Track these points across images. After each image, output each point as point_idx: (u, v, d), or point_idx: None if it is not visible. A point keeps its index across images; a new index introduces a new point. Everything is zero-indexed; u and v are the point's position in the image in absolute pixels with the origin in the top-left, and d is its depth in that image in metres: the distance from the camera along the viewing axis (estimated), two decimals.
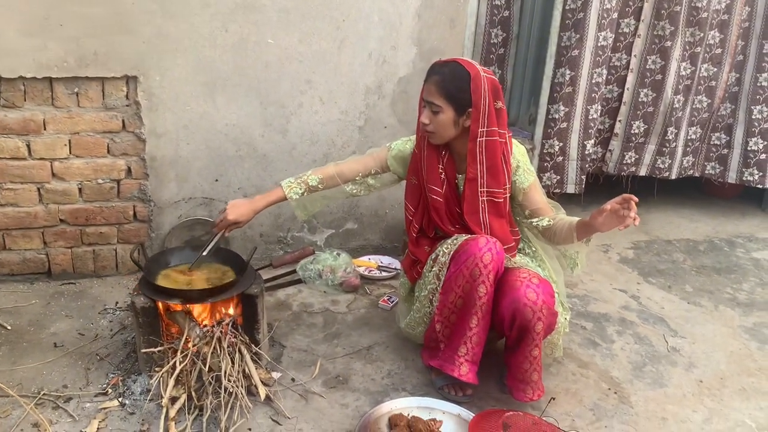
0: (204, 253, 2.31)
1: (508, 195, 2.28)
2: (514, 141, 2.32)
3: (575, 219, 2.19)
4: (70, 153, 2.71)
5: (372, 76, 2.97)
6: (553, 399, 2.26)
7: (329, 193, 2.42)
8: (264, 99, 2.87)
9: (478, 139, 2.17)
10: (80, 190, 2.78)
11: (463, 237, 2.20)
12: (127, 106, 2.71)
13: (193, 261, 2.36)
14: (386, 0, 2.86)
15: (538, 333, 2.09)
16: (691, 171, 4.11)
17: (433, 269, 2.24)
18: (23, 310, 2.67)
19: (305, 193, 2.36)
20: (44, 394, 2.16)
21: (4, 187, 2.68)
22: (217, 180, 2.94)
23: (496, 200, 2.26)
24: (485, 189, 2.24)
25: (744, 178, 4.04)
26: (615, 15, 3.49)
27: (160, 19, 2.61)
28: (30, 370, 2.29)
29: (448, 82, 2.12)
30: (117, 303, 2.74)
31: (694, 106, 3.91)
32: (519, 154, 2.31)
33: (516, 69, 3.53)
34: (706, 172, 4.14)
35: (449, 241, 2.24)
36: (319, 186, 2.37)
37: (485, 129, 2.16)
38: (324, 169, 2.39)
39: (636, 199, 1.99)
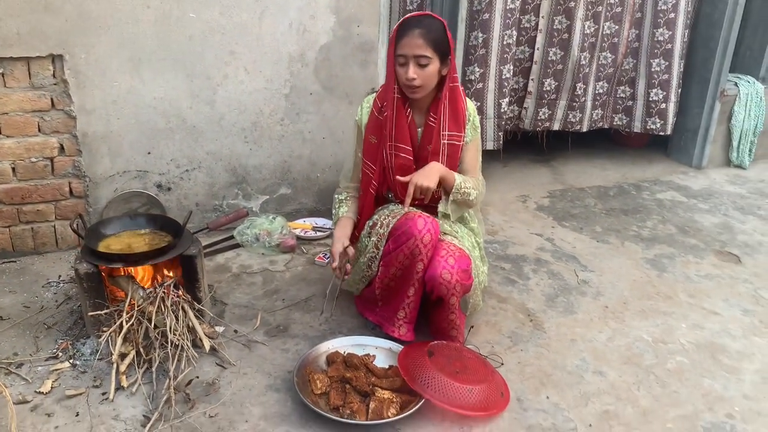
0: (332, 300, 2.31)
1: (463, 142, 2.41)
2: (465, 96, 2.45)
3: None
4: (1, 133, 2.76)
5: (294, 44, 3.11)
6: (472, 327, 2.51)
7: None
8: (189, 72, 2.97)
9: (450, 85, 2.31)
10: (14, 169, 2.84)
11: (400, 211, 2.34)
12: (54, 84, 2.77)
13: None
14: None
15: (453, 304, 2.30)
16: (601, 123, 4.42)
17: (372, 238, 2.38)
18: None
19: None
20: None
21: None
22: (149, 153, 3.04)
23: (456, 143, 2.39)
24: (446, 133, 2.36)
25: (648, 127, 4.38)
26: None
27: None
28: None
29: (434, 32, 2.19)
30: (60, 276, 2.83)
31: (599, 62, 4.20)
32: (471, 108, 2.45)
33: None
34: (614, 123, 4.46)
35: (386, 211, 2.40)
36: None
37: (452, 75, 2.31)
38: (349, 218, 2.53)
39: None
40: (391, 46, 2.29)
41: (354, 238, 2.50)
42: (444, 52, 2.25)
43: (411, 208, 2.35)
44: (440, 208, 2.37)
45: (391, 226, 2.32)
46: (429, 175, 2.25)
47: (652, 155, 4.75)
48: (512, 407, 2.14)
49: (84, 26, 2.72)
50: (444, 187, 2.36)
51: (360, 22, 3.17)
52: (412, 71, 2.23)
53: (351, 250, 2.38)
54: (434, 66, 2.24)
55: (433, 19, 2.26)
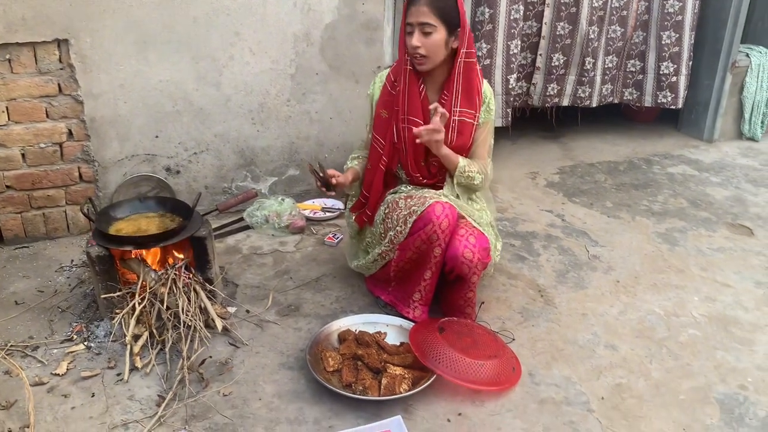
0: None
1: (476, 122, 2.37)
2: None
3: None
4: (9, 119, 2.77)
5: (299, 24, 3.09)
6: (483, 303, 2.51)
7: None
8: (195, 54, 2.96)
9: (461, 60, 2.26)
10: (23, 155, 2.85)
11: (418, 203, 2.25)
12: (61, 69, 2.77)
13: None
14: None
15: (474, 282, 2.30)
16: (611, 98, 4.38)
17: (399, 220, 2.30)
18: None
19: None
20: (11, 345, 2.28)
21: None
22: (157, 136, 3.04)
23: (467, 120, 2.34)
24: (457, 109, 2.32)
25: (659, 101, 4.33)
26: None
27: None
28: None
29: (442, 1, 2.16)
30: (72, 261, 2.85)
31: (608, 36, 4.14)
32: (487, 90, 2.40)
33: None
34: (625, 98, 4.41)
35: (403, 195, 2.35)
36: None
37: (466, 50, 2.26)
38: (354, 170, 2.54)
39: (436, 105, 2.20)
40: (403, 17, 2.26)
41: (369, 219, 2.49)
42: (452, 22, 2.20)
43: (421, 188, 2.35)
44: (445, 191, 2.36)
45: (417, 214, 2.24)
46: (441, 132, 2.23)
47: (662, 129, 4.70)
48: (524, 381, 2.15)
49: (88, 10, 2.71)
50: (447, 167, 2.35)
51: None
52: (416, 39, 2.19)
53: (338, 179, 2.40)
54: (440, 35, 2.20)
55: None
